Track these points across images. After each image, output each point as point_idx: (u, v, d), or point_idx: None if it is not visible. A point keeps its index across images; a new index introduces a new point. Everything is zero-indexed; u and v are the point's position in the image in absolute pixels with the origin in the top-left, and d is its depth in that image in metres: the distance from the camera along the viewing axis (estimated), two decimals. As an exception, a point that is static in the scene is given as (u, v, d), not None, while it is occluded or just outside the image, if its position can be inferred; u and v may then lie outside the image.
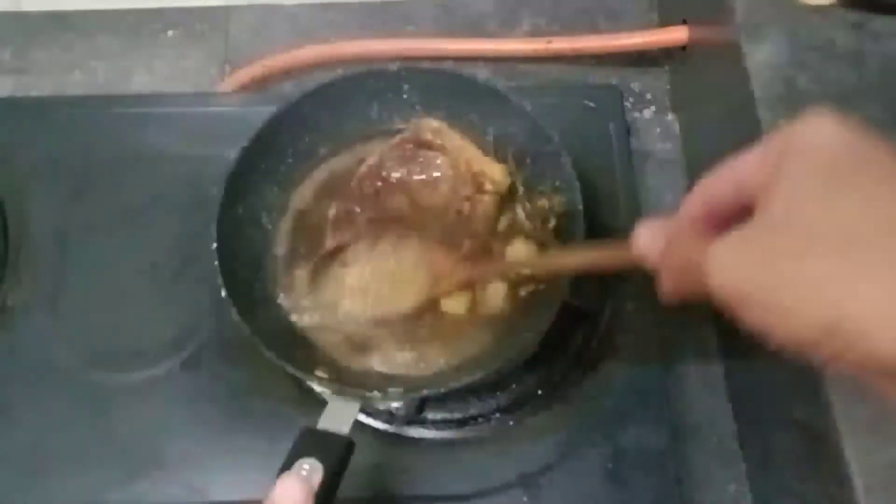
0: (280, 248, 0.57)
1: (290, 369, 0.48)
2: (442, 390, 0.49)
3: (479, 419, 0.54)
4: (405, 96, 0.59)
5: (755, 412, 0.56)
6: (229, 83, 0.72)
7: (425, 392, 0.50)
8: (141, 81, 0.75)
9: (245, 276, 0.54)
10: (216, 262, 0.51)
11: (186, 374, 0.56)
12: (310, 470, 0.40)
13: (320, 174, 0.60)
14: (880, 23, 0.55)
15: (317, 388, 0.50)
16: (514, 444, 0.54)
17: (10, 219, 0.62)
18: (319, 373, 0.49)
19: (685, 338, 0.61)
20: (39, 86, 0.75)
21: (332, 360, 0.52)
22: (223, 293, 0.50)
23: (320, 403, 0.54)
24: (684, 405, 0.58)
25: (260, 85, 0.73)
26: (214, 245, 0.52)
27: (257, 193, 0.57)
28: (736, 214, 0.31)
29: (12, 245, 0.61)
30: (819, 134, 0.29)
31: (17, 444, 0.55)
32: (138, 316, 0.59)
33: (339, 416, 0.45)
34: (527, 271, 0.51)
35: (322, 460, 0.41)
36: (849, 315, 0.25)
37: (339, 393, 0.47)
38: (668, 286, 0.35)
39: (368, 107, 0.59)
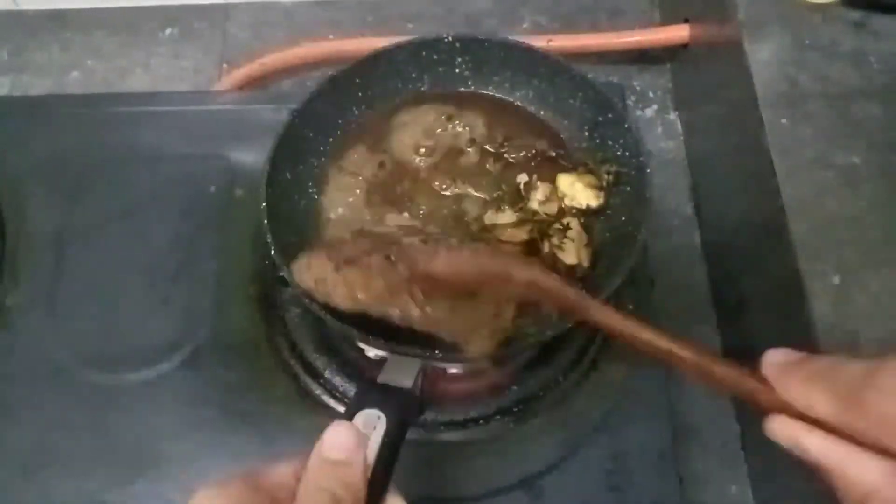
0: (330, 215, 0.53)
1: (348, 331, 0.45)
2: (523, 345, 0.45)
3: (480, 421, 0.54)
4: (457, 70, 0.56)
5: (757, 413, 0.56)
6: (227, 81, 0.72)
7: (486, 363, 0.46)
8: (139, 80, 0.75)
9: (294, 242, 0.50)
10: (265, 222, 0.48)
11: (184, 374, 0.56)
12: (372, 419, 0.37)
13: (367, 144, 0.56)
14: (881, 21, 0.54)
15: (372, 351, 0.47)
16: (515, 445, 0.54)
17: (7, 218, 0.62)
18: (372, 337, 0.45)
19: (687, 338, 0.61)
20: (37, 85, 0.75)
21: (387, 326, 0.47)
22: (272, 252, 0.47)
23: (318, 404, 0.54)
24: (686, 406, 0.58)
25: (258, 83, 0.73)
26: (263, 205, 0.48)
27: (305, 163, 0.54)
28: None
29: (9, 245, 0.61)
30: None
31: (15, 445, 0.54)
32: (136, 316, 0.58)
33: (401, 370, 0.42)
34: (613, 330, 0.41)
35: (385, 412, 0.38)
36: None
37: (393, 352, 0.44)
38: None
39: (419, 79, 0.56)
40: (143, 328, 0.58)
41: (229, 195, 0.63)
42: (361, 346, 0.47)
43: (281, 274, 0.47)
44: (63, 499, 0.53)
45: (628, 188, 0.52)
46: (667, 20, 0.73)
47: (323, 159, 0.55)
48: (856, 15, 0.54)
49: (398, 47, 0.55)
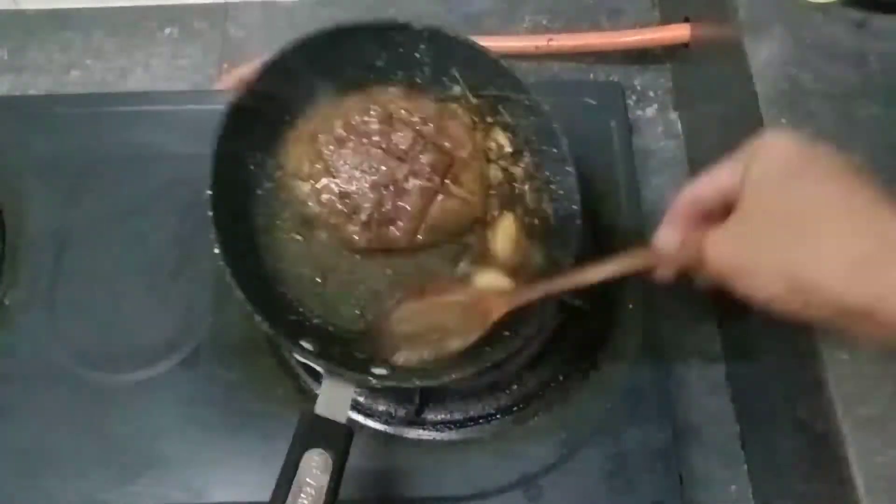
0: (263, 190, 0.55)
1: (274, 333, 0.47)
2: (432, 384, 0.48)
3: (480, 420, 0.54)
4: (418, 55, 0.56)
5: (757, 413, 0.56)
6: (227, 81, 0.72)
7: (417, 383, 0.48)
8: (138, 79, 0.75)
9: (231, 227, 0.51)
10: (209, 211, 0.50)
11: (183, 374, 0.56)
12: (320, 462, 0.41)
13: (310, 119, 0.56)
14: (882, 21, 0.54)
15: (300, 358, 0.49)
16: (515, 445, 0.54)
17: (7, 217, 0.62)
18: (305, 343, 0.47)
19: (687, 338, 0.61)
20: (37, 84, 0.75)
21: (321, 335, 0.50)
22: (215, 245, 0.48)
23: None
24: (686, 406, 0.58)
25: (258, 83, 0.72)
26: (209, 191, 0.50)
27: (249, 133, 0.54)
28: (721, 212, 0.40)
29: (9, 244, 0.61)
30: (776, 145, 0.38)
31: (14, 444, 0.54)
32: (135, 316, 0.59)
33: (335, 401, 0.44)
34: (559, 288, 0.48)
35: (328, 450, 0.42)
36: (803, 276, 0.35)
37: (325, 370, 0.45)
38: (669, 273, 0.44)
39: (377, 56, 0.57)
40: (142, 328, 0.58)
41: (229, 195, 0.63)
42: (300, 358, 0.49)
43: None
44: (62, 499, 0.53)
45: (555, 239, 0.53)
46: (667, 20, 0.73)
47: (266, 128, 0.55)
48: (856, 15, 0.54)
49: (368, 25, 0.55)
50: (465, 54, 0.56)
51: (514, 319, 0.49)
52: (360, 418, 0.54)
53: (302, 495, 0.40)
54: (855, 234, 0.34)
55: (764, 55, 0.53)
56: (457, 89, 0.57)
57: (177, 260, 0.60)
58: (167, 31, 0.77)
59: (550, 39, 0.70)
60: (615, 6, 0.77)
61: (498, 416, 0.54)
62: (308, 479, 0.41)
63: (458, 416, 0.54)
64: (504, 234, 0.55)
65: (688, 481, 0.55)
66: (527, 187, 0.56)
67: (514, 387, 0.54)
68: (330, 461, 0.41)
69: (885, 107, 0.51)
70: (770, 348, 0.53)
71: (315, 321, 0.51)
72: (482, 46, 0.55)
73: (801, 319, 0.37)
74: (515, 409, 0.54)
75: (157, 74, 0.75)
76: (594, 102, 0.66)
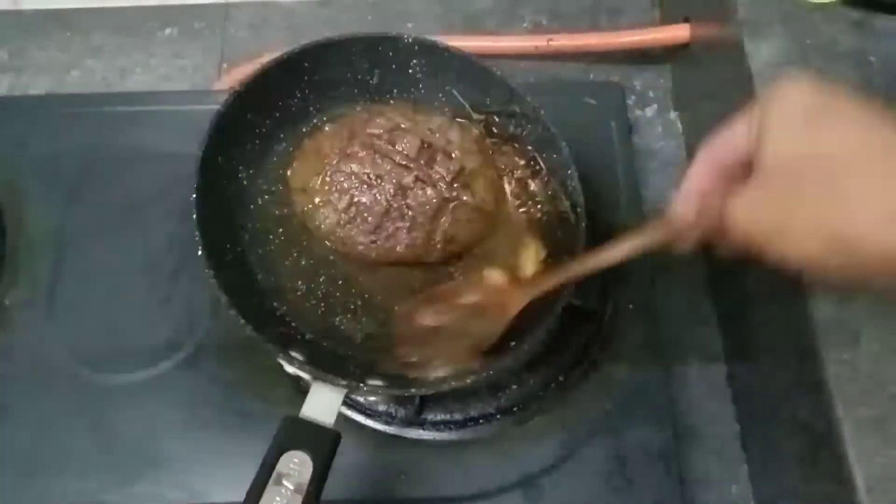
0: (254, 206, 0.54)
1: (264, 343, 0.45)
2: (429, 392, 0.47)
3: (480, 420, 0.54)
4: (410, 71, 0.56)
5: (758, 413, 0.56)
6: (227, 81, 0.72)
7: (413, 391, 0.47)
8: (138, 80, 0.75)
9: (220, 236, 0.50)
10: (194, 215, 0.48)
11: (183, 374, 0.56)
12: (300, 465, 0.39)
13: (306, 135, 0.56)
14: (882, 21, 0.54)
15: (289, 369, 0.48)
16: (515, 445, 0.54)
17: (7, 217, 0.62)
18: (294, 353, 0.45)
19: (687, 339, 0.61)
20: (37, 84, 0.75)
21: (309, 343, 0.49)
22: (199, 251, 0.47)
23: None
24: (686, 406, 0.58)
25: (258, 83, 0.72)
26: (193, 196, 0.48)
27: (239, 145, 0.53)
28: (741, 172, 0.37)
29: (9, 244, 0.61)
30: (791, 90, 0.35)
31: (14, 445, 0.54)
32: (135, 316, 0.59)
33: (324, 405, 0.42)
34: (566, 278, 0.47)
35: (311, 454, 0.39)
36: (841, 231, 0.32)
37: (315, 378, 0.43)
38: (690, 245, 0.41)
39: (370, 73, 0.56)
40: (142, 328, 0.58)
41: (229, 195, 0.63)
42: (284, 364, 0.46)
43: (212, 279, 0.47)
44: (62, 499, 0.53)
45: (560, 233, 0.52)
46: (667, 20, 0.73)
47: (257, 143, 0.54)
48: (856, 15, 0.54)
49: (354, 39, 0.54)
50: (457, 66, 0.55)
51: (519, 328, 0.48)
52: (360, 418, 0.54)
53: (278, 497, 0.39)
54: (892, 177, 0.31)
55: (763, 55, 0.53)
56: (457, 104, 0.56)
57: (177, 260, 0.60)
58: (167, 31, 0.77)
59: (550, 39, 0.70)
60: (615, 6, 0.77)
61: (498, 416, 0.54)
62: (286, 483, 0.39)
63: (458, 416, 0.54)
64: (530, 262, 0.54)
65: (688, 481, 0.55)
66: (542, 198, 0.55)
67: (514, 387, 0.54)
68: (311, 464, 0.39)
69: (886, 106, 0.51)
70: (770, 348, 0.53)
71: (308, 336, 0.50)
72: (475, 57, 0.54)
73: (839, 281, 0.36)
74: (515, 409, 0.54)
75: (157, 74, 0.75)
76: (594, 102, 0.66)
